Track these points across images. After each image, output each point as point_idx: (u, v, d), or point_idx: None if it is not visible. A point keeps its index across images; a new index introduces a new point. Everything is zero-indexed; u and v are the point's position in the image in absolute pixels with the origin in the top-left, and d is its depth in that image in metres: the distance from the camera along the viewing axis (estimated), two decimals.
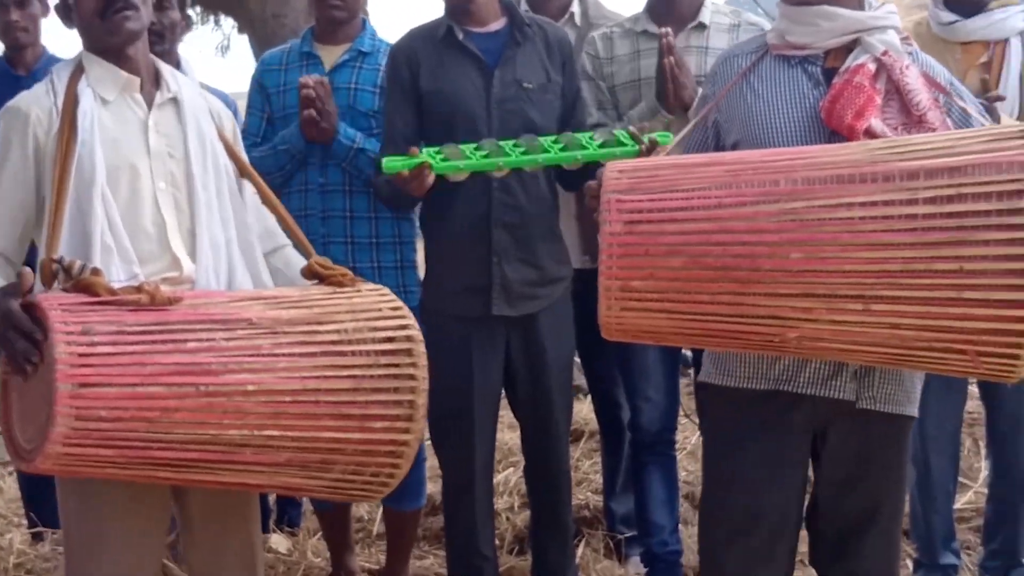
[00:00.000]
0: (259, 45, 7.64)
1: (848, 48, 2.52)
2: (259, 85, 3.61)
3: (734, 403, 2.55)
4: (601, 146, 2.82)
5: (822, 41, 2.52)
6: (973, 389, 3.96)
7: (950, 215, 2.02)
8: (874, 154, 2.17)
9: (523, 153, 2.86)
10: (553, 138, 2.89)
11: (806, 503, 2.64)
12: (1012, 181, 2.00)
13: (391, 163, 2.84)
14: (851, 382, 2.47)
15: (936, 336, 2.06)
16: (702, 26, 3.52)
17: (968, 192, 2.02)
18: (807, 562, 2.77)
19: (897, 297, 2.05)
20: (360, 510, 4.34)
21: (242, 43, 12.23)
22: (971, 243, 1.99)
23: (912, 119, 2.44)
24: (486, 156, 2.85)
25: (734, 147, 2.53)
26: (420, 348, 2.32)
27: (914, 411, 2.56)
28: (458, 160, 2.84)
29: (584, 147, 2.84)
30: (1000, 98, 3.36)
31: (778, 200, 2.14)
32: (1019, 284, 1.95)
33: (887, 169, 2.11)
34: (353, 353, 2.28)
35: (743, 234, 2.14)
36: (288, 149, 3.41)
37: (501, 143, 2.89)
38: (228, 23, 11.17)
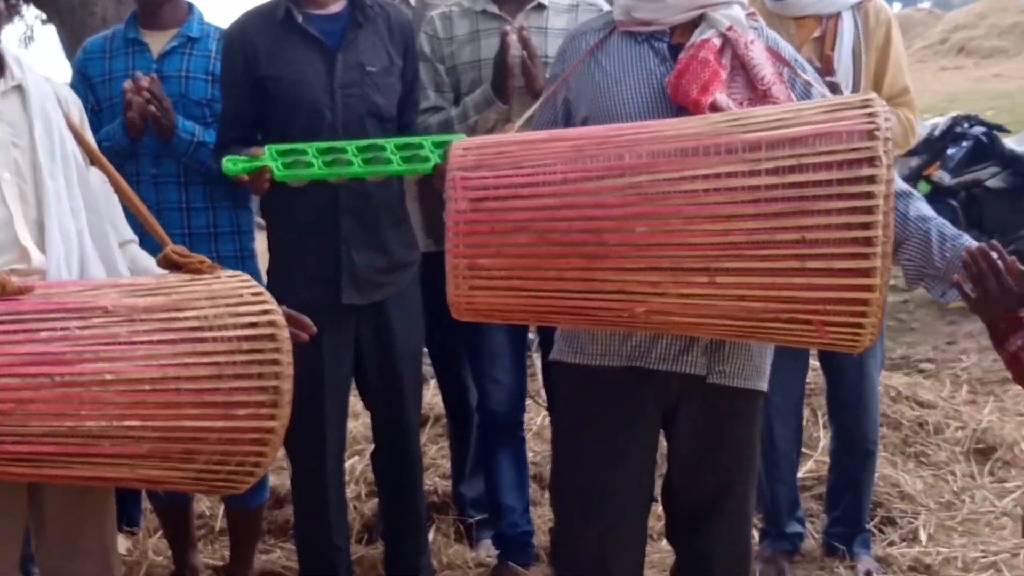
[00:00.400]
0: (68, 36, 7.37)
1: (694, 24, 2.55)
2: (82, 74, 3.47)
3: (586, 381, 2.57)
4: (404, 160, 2.78)
5: (668, 17, 2.55)
6: (812, 361, 4.08)
7: (791, 185, 2.06)
8: (717, 127, 2.20)
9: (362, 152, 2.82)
10: (359, 144, 2.84)
11: (661, 479, 2.68)
12: (852, 150, 2.05)
13: (231, 165, 2.78)
14: (702, 357, 2.51)
15: (782, 307, 2.10)
16: (541, 6, 3.53)
17: (809, 162, 2.07)
18: (660, 536, 2.81)
19: (742, 269, 2.09)
20: (201, 506, 4.26)
21: (48, 34, 11.77)
22: (813, 212, 2.04)
23: (757, 93, 2.48)
24: (329, 164, 2.79)
25: (583, 123, 2.55)
26: (284, 334, 2.26)
27: (763, 386, 2.62)
28: (300, 169, 2.78)
29: (389, 161, 2.79)
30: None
31: (623, 174, 2.16)
32: (861, 252, 2.01)
33: (729, 141, 2.14)
34: (214, 340, 2.20)
35: (589, 209, 2.15)
36: (112, 146, 3.30)
37: (339, 144, 2.83)
38: (32, 13, 10.74)
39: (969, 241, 2.35)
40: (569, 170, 2.18)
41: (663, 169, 2.14)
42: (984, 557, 3.86)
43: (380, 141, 2.84)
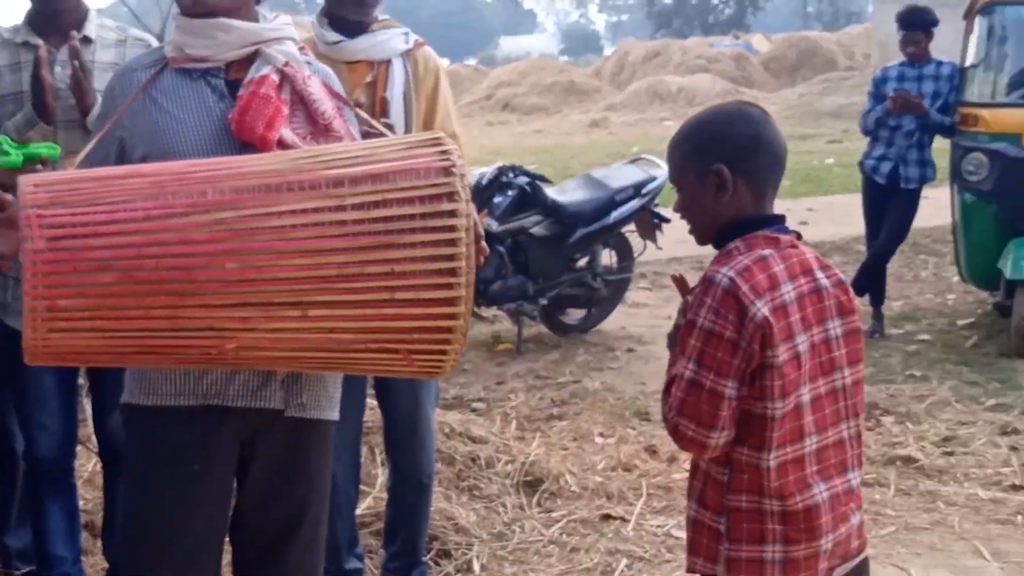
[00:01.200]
0: None
1: (249, 60, 2.60)
2: None
3: (160, 422, 2.55)
4: None
5: (222, 53, 2.59)
6: (370, 400, 4.23)
7: (378, 220, 2.18)
8: (298, 163, 2.28)
9: None
10: None
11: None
12: (431, 186, 2.20)
13: None
14: (280, 391, 2.56)
15: (372, 337, 2.21)
16: (87, 40, 3.47)
17: (392, 197, 2.19)
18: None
19: (333, 302, 2.17)
20: None
21: None
22: (400, 246, 2.16)
23: (319, 128, 2.57)
24: None
25: (142, 161, 2.52)
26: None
27: (335, 415, 2.71)
28: None
29: None
30: None
31: (207, 210, 2.18)
32: (447, 283, 2.16)
33: (312, 178, 2.23)
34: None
35: (176, 245, 2.16)
36: None
37: None
38: None
39: None
40: (152, 207, 2.18)
41: (249, 205, 2.19)
42: None
43: None
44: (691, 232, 2.45)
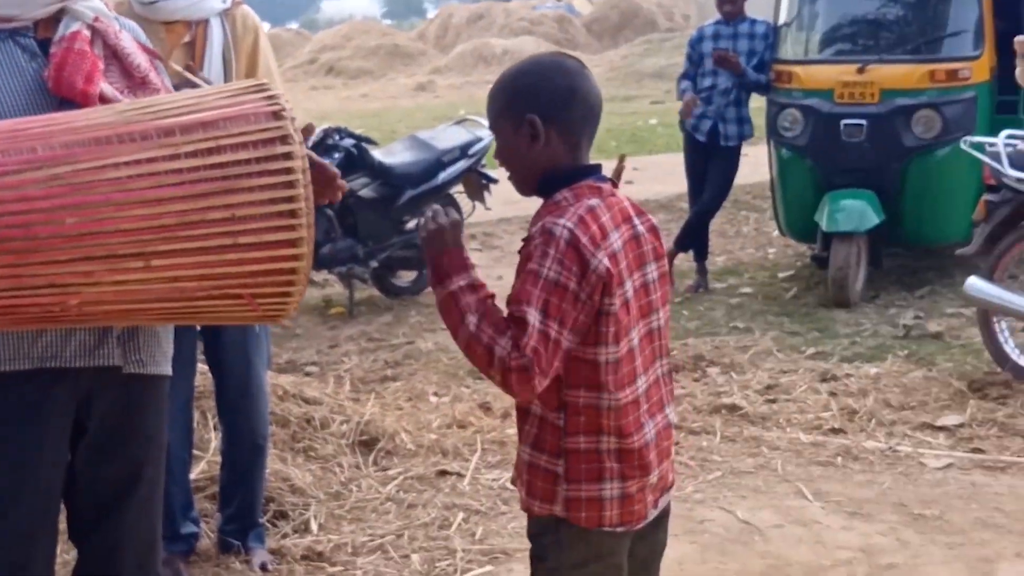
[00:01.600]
0: None
1: (56, 18, 2.59)
2: None
3: None
4: None
5: (29, 12, 2.57)
6: (200, 365, 4.24)
7: (214, 166, 2.21)
8: (126, 116, 2.30)
9: None
10: None
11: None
12: (263, 130, 2.25)
13: None
14: (117, 348, 2.57)
15: (215, 284, 2.25)
16: None
17: (226, 143, 2.23)
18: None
19: (176, 250, 2.20)
20: None
21: None
22: (239, 191, 2.20)
23: (136, 81, 2.59)
24: None
25: None
26: None
27: (169, 370, 2.74)
28: None
29: None
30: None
31: (41, 166, 2.19)
32: (286, 224, 2.21)
33: (143, 128, 2.25)
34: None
35: (12, 203, 2.15)
36: None
37: None
38: None
39: None
40: None
41: (83, 159, 2.20)
42: (372, 540, 4.27)
43: None
44: (510, 180, 2.53)
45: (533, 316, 2.28)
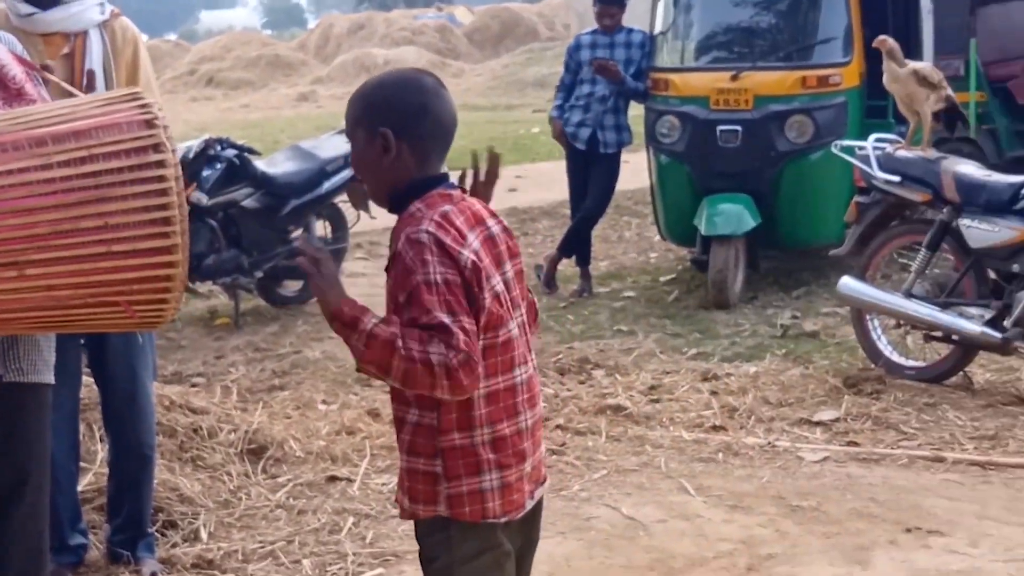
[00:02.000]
0: None
1: None
2: None
3: None
4: None
5: None
6: (86, 378, 4.18)
7: (87, 175, 2.21)
8: None
9: None
10: None
11: None
12: (135, 139, 2.25)
13: None
14: None
15: (92, 292, 2.24)
16: None
17: (99, 152, 2.22)
18: None
19: (50, 259, 2.19)
20: None
21: None
22: (112, 199, 2.20)
23: (11, 93, 2.57)
24: None
25: None
26: None
27: (51, 378, 2.72)
28: None
29: None
30: None
31: None
32: (162, 232, 2.21)
33: (14, 139, 2.24)
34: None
35: None
36: None
37: None
38: None
39: None
40: None
41: None
42: (262, 547, 4.24)
43: None
44: (366, 189, 2.55)
45: (446, 318, 2.31)
